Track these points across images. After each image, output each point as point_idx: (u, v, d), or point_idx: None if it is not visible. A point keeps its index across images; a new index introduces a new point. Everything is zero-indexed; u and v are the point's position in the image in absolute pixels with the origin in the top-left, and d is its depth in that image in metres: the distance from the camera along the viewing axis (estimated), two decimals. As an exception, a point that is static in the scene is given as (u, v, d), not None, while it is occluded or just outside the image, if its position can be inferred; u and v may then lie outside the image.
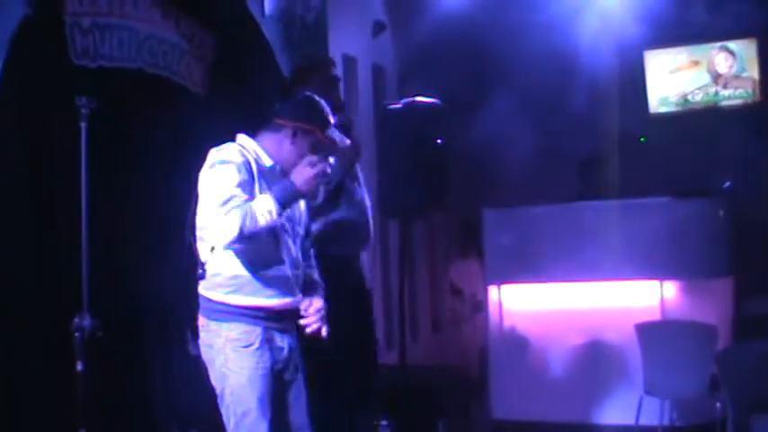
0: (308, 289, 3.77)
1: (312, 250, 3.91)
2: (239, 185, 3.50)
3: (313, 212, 4.11)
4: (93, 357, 3.45)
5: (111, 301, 3.72)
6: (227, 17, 5.23)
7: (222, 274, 3.58)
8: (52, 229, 4.06)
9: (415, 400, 5.50)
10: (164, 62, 4.84)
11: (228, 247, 3.51)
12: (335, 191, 4.59)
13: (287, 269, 3.65)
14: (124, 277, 4.25)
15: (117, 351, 3.80)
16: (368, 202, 4.78)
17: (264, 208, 3.45)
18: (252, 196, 3.52)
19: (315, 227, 4.12)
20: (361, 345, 4.72)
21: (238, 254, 3.56)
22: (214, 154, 3.61)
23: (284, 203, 3.50)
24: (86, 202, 3.48)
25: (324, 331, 3.74)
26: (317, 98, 3.80)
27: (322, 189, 4.44)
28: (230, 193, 3.47)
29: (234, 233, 3.43)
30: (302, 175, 3.53)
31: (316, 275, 3.86)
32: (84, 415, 3.41)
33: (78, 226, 3.48)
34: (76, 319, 3.45)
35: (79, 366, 3.43)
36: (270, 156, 3.67)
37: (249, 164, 3.58)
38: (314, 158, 3.57)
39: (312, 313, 3.72)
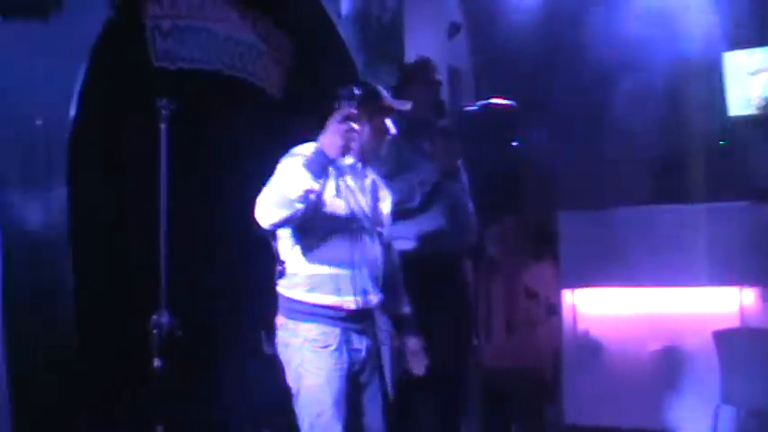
0: (395, 301, 3.81)
1: (395, 252, 3.90)
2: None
3: (409, 214, 4.14)
4: (170, 355, 3.50)
5: (189, 299, 3.77)
6: (304, 18, 5.27)
7: (300, 273, 3.57)
8: (131, 228, 4.13)
9: (488, 402, 5.48)
10: (241, 63, 4.90)
11: (272, 227, 3.43)
12: (431, 193, 4.60)
13: (365, 269, 3.62)
14: (201, 276, 4.31)
15: (193, 349, 3.85)
16: (470, 205, 4.77)
17: (294, 173, 3.30)
18: (322, 192, 3.47)
19: (414, 229, 4.10)
20: (459, 346, 4.73)
21: (315, 252, 3.54)
22: (293, 151, 3.57)
23: (310, 165, 3.30)
24: (165, 201, 3.54)
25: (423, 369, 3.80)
26: (365, 81, 3.81)
27: (418, 192, 4.46)
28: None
29: (268, 209, 3.34)
30: (326, 133, 3.35)
31: (401, 291, 3.86)
32: (161, 412, 3.46)
33: (157, 225, 3.54)
34: (154, 317, 3.51)
35: (156, 363, 3.49)
36: (356, 153, 3.63)
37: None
38: (338, 114, 3.37)
39: (412, 359, 3.76)
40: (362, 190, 3.70)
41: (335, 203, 3.57)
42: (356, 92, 3.60)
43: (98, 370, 3.98)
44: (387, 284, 3.77)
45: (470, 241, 4.77)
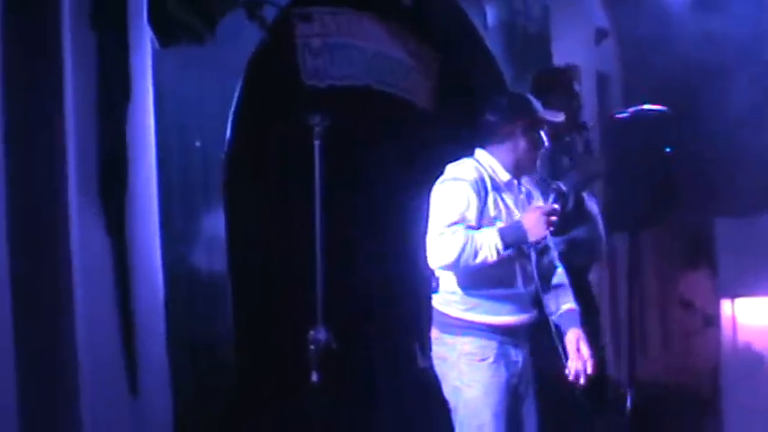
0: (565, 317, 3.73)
1: (559, 264, 3.85)
2: (468, 206, 3.49)
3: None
4: (327, 368, 3.54)
5: (344, 313, 3.81)
6: (451, 32, 5.26)
7: (458, 292, 3.59)
8: (288, 244, 4.20)
9: (642, 416, 5.33)
10: (391, 78, 4.93)
11: (442, 269, 3.54)
12: (576, 205, 4.53)
13: (521, 286, 3.62)
14: (356, 291, 4.34)
15: (349, 363, 3.88)
16: (600, 219, 4.68)
17: (487, 243, 3.43)
18: (482, 213, 3.51)
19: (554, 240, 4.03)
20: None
21: (473, 273, 3.54)
22: (450, 169, 3.62)
23: (509, 244, 3.45)
24: (320, 216, 3.57)
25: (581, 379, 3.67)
26: (516, 92, 3.83)
27: (572, 196, 4.39)
28: (458, 214, 3.47)
29: (450, 260, 3.44)
30: (532, 218, 3.49)
31: (568, 294, 3.80)
32: (318, 425, 3.50)
33: (312, 240, 3.58)
34: (312, 332, 3.55)
35: (314, 377, 3.53)
36: (506, 168, 3.65)
37: (483, 180, 3.57)
38: (546, 206, 3.55)
39: (578, 357, 3.65)
40: (518, 205, 3.68)
41: (495, 225, 3.56)
42: (507, 103, 3.60)
43: (257, 387, 4.06)
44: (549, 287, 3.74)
45: (601, 256, 4.68)
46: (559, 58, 6.38)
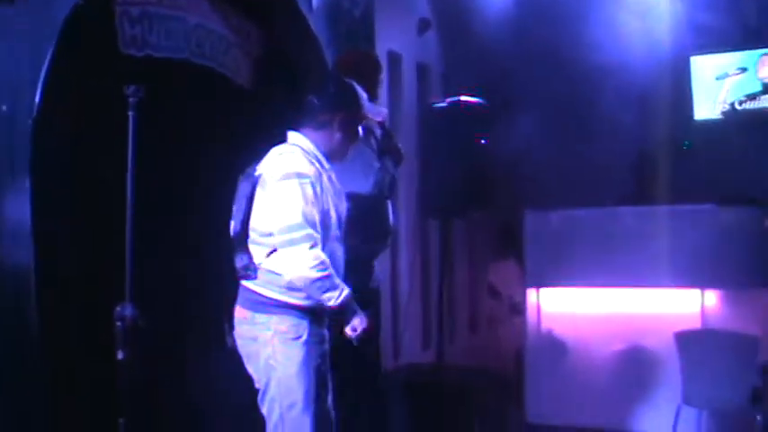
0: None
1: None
2: (314, 205, 3.57)
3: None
4: (133, 346, 3.45)
5: (154, 291, 3.72)
6: (275, 10, 5.22)
7: (274, 277, 3.63)
8: (98, 218, 4.06)
9: (450, 400, 5.47)
10: (211, 53, 4.83)
11: (288, 278, 3.60)
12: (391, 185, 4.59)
13: (334, 270, 3.68)
14: (166, 268, 4.25)
15: (158, 341, 3.79)
16: (392, 214, 4.77)
17: (333, 293, 3.57)
18: (322, 210, 3.60)
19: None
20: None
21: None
22: (283, 161, 3.63)
23: (341, 310, 3.60)
24: (132, 190, 3.48)
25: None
26: (346, 81, 3.86)
27: (375, 191, 4.45)
28: (309, 215, 3.55)
29: (296, 274, 3.54)
30: (363, 320, 3.66)
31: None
32: (124, 404, 3.41)
33: (123, 215, 3.48)
34: (118, 309, 3.46)
35: (120, 355, 3.44)
36: (324, 154, 3.70)
37: (319, 174, 3.64)
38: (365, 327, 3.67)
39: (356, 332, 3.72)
40: (336, 194, 3.76)
41: (329, 216, 3.68)
42: (334, 92, 3.63)
43: (61, 362, 3.92)
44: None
45: (387, 246, 4.81)
46: (382, 45, 6.44)
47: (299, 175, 3.57)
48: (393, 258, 6.76)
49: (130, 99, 3.48)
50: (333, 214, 3.70)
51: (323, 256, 3.55)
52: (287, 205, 3.54)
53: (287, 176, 3.57)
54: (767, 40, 7.98)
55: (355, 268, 4.50)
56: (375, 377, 4.82)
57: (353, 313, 3.62)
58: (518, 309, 7.42)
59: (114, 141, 3.58)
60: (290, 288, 3.61)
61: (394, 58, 6.98)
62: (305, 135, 3.72)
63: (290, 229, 3.53)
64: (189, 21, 4.70)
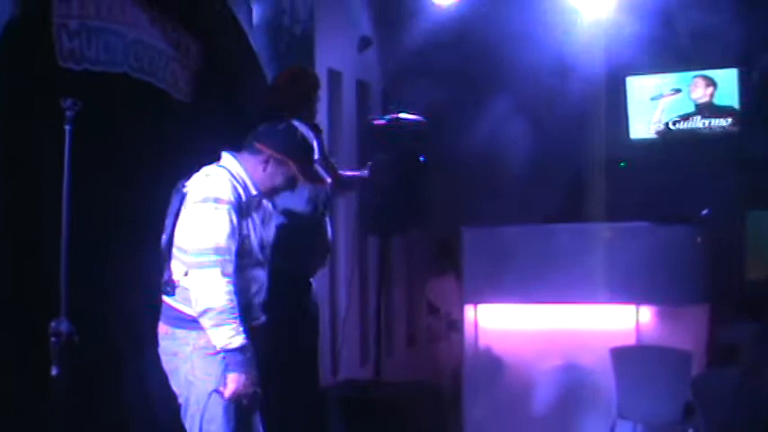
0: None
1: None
2: (229, 233, 3.56)
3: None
4: (68, 362, 3.41)
5: (88, 306, 3.69)
6: (215, 25, 5.21)
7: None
8: (32, 232, 4.01)
9: (387, 415, 5.48)
10: (149, 67, 4.80)
11: (195, 305, 3.57)
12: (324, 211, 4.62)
13: (255, 295, 3.74)
14: (100, 283, 4.21)
15: (92, 356, 3.76)
16: (330, 231, 4.80)
17: (227, 334, 3.51)
18: (238, 235, 3.59)
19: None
20: (302, 367, 4.72)
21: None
22: (205, 184, 3.63)
23: (234, 354, 3.53)
24: (67, 204, 3.45)
25: None
26: (300, 130, 3.86)
27: (310, 205, 4.46)
28: (223, 242, 3.54)
29: (199, 305, 3.52)
30: (240, 380, 3.57)
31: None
32: (59, 420, 3.37)
33: (58, 229, 3.45)
34: (53, 324, 3.41)
35: (54, 371, 3.39)
36: (252, 180, 3.72)
37: (239, 199, 3.63)
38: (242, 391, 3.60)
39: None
40: (263, 222, 3.81)
41: (249, 242, 3.68)
42: (282, 140, 3.64)
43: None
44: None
45: (323, 266, 4.87)
46: (322, 63, 6.47)
47: (217, 200, 3.58)
48: (331, 274, 6.77)
49: (67, 112, 3.46)
50: (254, 239, 3.70)
51: (227, 288, 3.53)
52: (200, 229, 3.57)
53: (205, 200, 3.59)
54: (700, 63, 8.18)
55: (294, 285, 4.53)
56: (311, 394, 4.81)
57: (237, 367, 3.55)
58: (456, 325, 7.47)
59: (51, 154, 3.54)
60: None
61: (334, 76, 7.00)
62: (239, 159, 3.74)
63: (200, 253, 3.55)
64: (127, 35, 4.67)
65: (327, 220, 4.78)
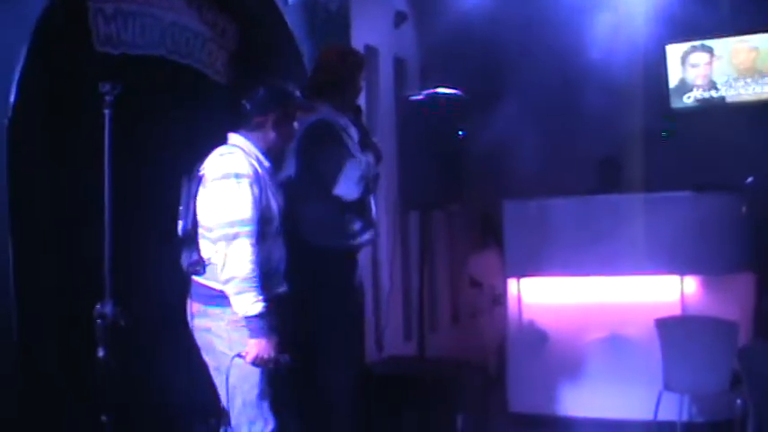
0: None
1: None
2: (252, 205, 3.68)
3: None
4: (114, 344, 3.46)
5: (132, 288, 3.73)
6: (251, 5, 5.21)
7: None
8: (75, 216, 4.06)
9: (432, 392, 5.48)
10: (186, 50, 4.82)
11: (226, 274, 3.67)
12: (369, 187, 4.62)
13: (282, 264, 3.87)
14: (144, 265, 4.25)
15: (138, 338, 3.79)
16: (374, 208, 4.78)
17: (249, 300, 3.62)
18: (261, 206, 3.72)
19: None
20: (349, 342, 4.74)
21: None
22: (222, 162, 3.75)
23: (256, 320, 3.63)
24: (109, 188, 3.47)
25: None
26: (276, 83, 3.96)
27: (360, 186, 4.48)
28: (247, 215, 3.66)
29: (224, 274, 3.62)
30: (265, 347, 3.67)
31: None
32: (106, 401, 3.42)
33: (101, 212, 3.48)
34: (98, 306, 3.45)
35: (100, 353, 3.44)
36: (262, 152, 3.86)
37: (258, 174, 3.77)
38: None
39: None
40: (277, 192, 3.92)
41: (270, 211, 3.80)
42: (265, 95, 3.69)
43: (42, 361, 3.92)
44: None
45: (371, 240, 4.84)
46: (359, 39, 6.44)
47: (238, 176, 3.70)
48: (374, 252, 6.77)
49: (106, 97, 3.47)
50: (274, 208, 3.83)
51: (251, 257, 3.63)
52: (225, 203, 3.67)
53: (226, 176, 3.71)
54: (741, 28, 8.04)
55: (341, 261, 4.54)
56: (355, 369, 4.82)
57: (258, 332, 3.65)
58: (499, 299, 7.45)
59: (91, 139, 3.57)
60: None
61: (371, 52, 6.98)
62: (243, 136, 3.87)
63: (228, 225, 3.65)
64: (164, 17, 4.68)
65: (371, 197, 4.77)
